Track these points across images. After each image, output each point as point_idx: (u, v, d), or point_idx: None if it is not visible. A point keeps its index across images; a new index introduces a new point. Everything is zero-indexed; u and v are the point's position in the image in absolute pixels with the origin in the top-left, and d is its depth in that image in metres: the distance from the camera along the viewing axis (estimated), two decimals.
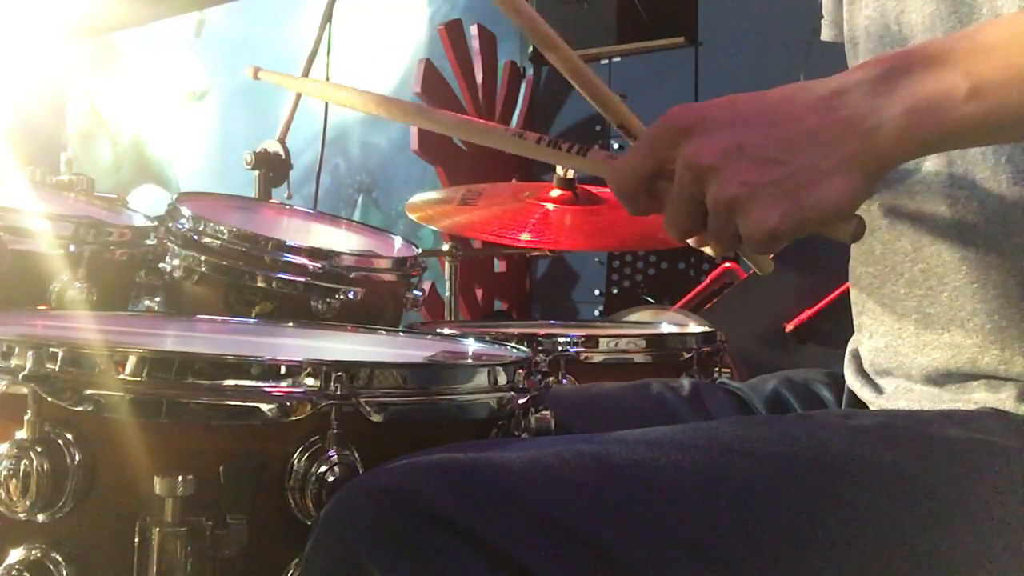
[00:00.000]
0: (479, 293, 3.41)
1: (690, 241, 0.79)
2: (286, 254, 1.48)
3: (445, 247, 2.30)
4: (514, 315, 3.51)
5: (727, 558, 0.68)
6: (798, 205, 0.68)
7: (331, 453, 0.74)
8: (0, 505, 0.72)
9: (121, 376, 0.73)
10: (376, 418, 0.76)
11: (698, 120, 0.72)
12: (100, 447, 0.73)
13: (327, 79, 2.37)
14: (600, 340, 1.45)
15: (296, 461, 0.75)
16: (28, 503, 0.71)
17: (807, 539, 0.70)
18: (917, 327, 0.90)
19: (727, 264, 2.62)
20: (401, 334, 1.27)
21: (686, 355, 1.49)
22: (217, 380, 0.74)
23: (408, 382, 0.80)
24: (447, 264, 2.27)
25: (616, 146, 3.27)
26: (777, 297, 2.39)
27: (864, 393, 0.98)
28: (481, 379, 0.85)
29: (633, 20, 3.21)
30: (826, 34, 1.12)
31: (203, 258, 1.46)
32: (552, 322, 2.12)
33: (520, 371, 0.89)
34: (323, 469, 0.74)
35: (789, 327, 2.35)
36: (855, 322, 1.01)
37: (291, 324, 1.27)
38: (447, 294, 2.29)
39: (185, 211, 1.50)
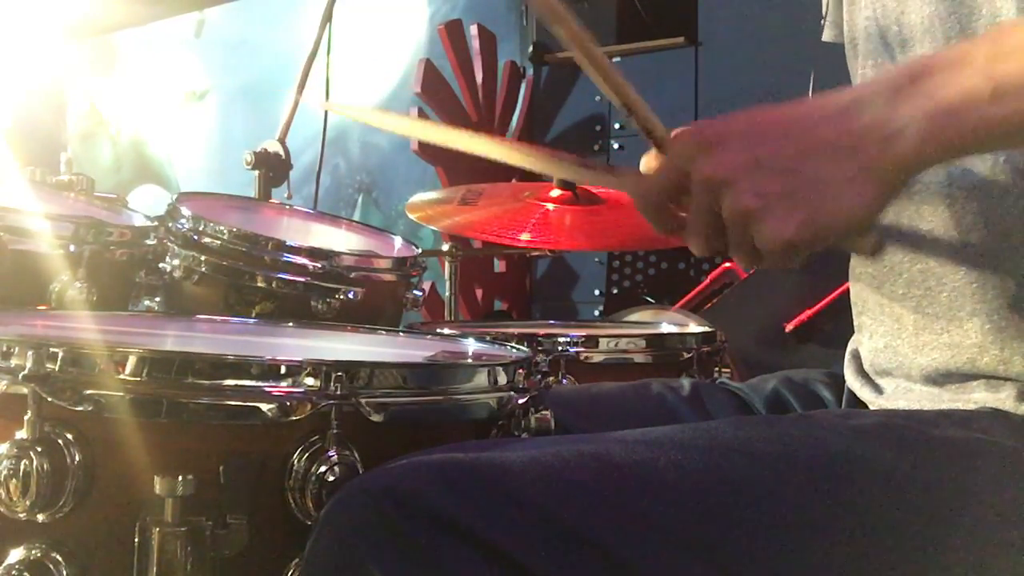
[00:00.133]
0: (479, 293, 3.41)
1: None
2: (286, 254, 1.48)
3: (445, 247, 2.29)
4: (514, 315, 3.51)
5: (727, 558, 0.69)
6: (813, 215, 0.68)
7: (331, 453, 0.74)
8: (0, 505, 0.72)
9: (121, 376, 0.73)
10: (376, 418, 0.77)
11: (716, 135, 0.72)
12: (100, 447, 0.73)
13: (327, 79, 2.37)
14: (600, 340, 1.45)
15: (296, 461, 0.75)
16: (28, 503, 0.71)
17: (807, 539, 0.71)
18: (916, 327, 0.91)
19: (727, 264, 2.62)
20: (401, 334, 1.27)
21: (686, 355, 1.49)
22: (217, 380, 0.74)
23: (408, 382, 0.80)
24: (447, 264, 2.27)
25: (616, 146, 3.28)
26: (777, 297, 2.39)
27: (864, 393, 0.98)
28: (481, 379, 0.85)
29: (633, 20, 3.21)
30: (827, 35, 1.12)
31: (203, 258, 1.46)
32: (552, 322, 2.12)
33: (520, 371, 0.89)
34: (323, 469, 0.74)
35: (789, 327, 2.35)
36: (855, 322, 1.01)
37: (291, 324, 1.27)
38: (447, 294, 2.29)
39: (185, 211, 1.50)
